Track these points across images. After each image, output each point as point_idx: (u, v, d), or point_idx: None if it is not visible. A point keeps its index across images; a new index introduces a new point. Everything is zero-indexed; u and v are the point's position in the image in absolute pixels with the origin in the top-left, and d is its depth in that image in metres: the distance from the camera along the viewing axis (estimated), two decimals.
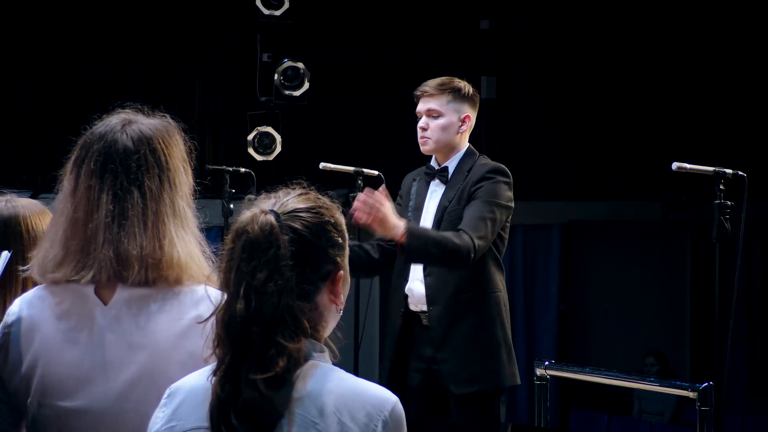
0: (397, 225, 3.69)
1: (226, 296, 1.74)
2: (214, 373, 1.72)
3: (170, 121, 2.10)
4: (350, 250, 1.85)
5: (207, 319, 1.81)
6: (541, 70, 8.76)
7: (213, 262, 2.05)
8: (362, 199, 3.67)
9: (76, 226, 1.99)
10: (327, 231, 1.79)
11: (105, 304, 1.99)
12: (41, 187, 6.79)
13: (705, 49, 8.87)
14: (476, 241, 3.79)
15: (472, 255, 3.78)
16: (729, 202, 3.83)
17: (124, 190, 1.98)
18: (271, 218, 1.74)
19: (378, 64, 8.33)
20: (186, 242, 2.01)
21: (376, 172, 4.62)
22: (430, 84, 4.09)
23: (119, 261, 1.95)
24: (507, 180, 3.99)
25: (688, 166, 3.89)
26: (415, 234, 3.76)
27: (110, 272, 1.96)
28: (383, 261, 4.04)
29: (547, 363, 4.33)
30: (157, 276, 1.97)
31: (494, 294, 3.98)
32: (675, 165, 3.90)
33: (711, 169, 3.88)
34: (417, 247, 3.74)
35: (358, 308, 4.86)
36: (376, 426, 1.69)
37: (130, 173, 2.00)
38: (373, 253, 4.02)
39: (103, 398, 1.96)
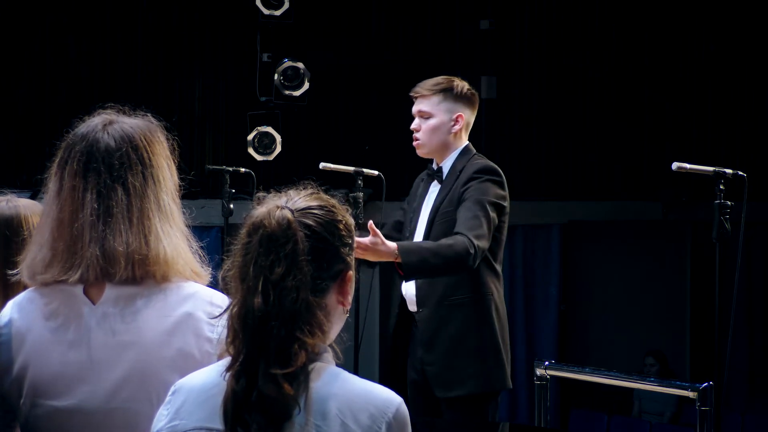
0: (390, 248, 3.58)
1: (239, 291, 1.73)
2: (228, 368, 1.71)
3: (152, 120, 2.11)
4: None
5: (220, 315, 1.81)
6: (541, 70, 8.75)
7: (201, 258, 2.06)
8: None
9: (62, 227, 2.00)
10: (339, 229, 1.79)
11: (94, 303, 1.99)
12: (40, 188, 6.78)
13: (705, 49, 8.86)
14: (474, 240, 3.70)
15: (472, 252, 3.68)
16: (729, 202, 3.82)
17: (108, 188, 1.99)
18: (288, 213, 1.74)
19: (378, 64, 8.32)
20: (172, 237, 2.01)
21: (376, 172, 4.61)
22: (423, 85, 4.05)
23: (106, 258, 1.96)
24: (496, 178, 3.91)
25: (688, 166, 3.88)
26: (409, 250, 3.66)
27: (97, 270, 1.96)
28: None
29: (547, 363, 4.32)
30: (144, 272, 1.97)
31: (485, 297, 3.92)
32: (675, 165, 3.89)
33: (711, 169, 3.87)
34: (415, 262, 3.64)
35: (358, 308, 4.84)
36: (379, 428, 1.69)
37: (113, 171, 2.00)
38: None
39: (92, 397, 1.97)
